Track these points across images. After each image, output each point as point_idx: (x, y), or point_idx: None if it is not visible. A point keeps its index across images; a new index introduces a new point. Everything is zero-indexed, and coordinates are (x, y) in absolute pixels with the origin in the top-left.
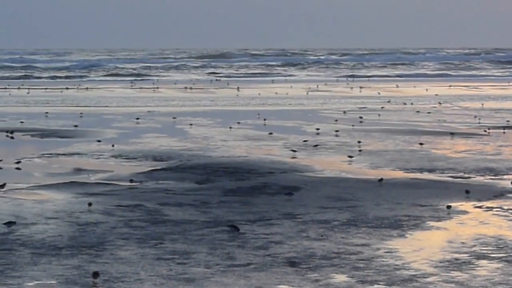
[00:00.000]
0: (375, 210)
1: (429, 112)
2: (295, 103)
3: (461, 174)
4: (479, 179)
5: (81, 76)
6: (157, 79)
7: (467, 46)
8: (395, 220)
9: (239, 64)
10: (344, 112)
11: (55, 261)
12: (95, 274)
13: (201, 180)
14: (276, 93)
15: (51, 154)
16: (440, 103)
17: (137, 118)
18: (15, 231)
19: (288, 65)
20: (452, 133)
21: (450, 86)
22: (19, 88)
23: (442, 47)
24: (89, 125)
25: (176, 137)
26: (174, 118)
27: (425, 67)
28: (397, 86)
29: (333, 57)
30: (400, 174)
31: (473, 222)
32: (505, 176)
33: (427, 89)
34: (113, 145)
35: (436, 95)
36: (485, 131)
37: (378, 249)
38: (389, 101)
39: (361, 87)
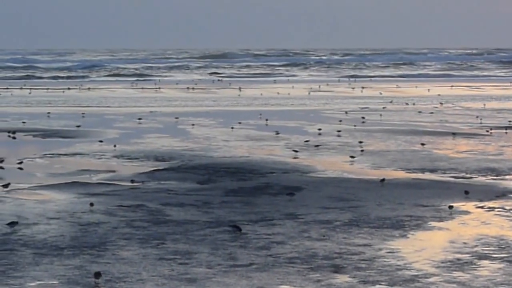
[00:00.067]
0: (377, 210)
1: (431, 113)
2: (297, 103)
3: (463, 174)
4: (481, 179)
5: (83, 76)
6: (159, 79)
7: (469, 46)
8: (397, 221)
9: (241, 64)
10: (346, 112)
11: (57, 261)
12: (97, 274)
13: (203, 180)
14: (278, 93)
15: (53, 154)
16: (441, 103)
17: (139, 118)
18: (17, 231)
19: (290, 65)
20: (454, 133)
21: (452, 86)
22: (21, 88)
23: (444, 47)
24: (91, 125)
25: (178, 137)
26: (176, 118)
27: (427, 67)
28: (397, 86)
29: (335, 57)
30: (402, 174)
31: (475, 222)
32: (507, 177)
33: (429, 89)
34: (115, 145)
35: (439, 95)
36: (487, 131)
37: (380, 249)
38: (391, 101)
39: (363, 87)
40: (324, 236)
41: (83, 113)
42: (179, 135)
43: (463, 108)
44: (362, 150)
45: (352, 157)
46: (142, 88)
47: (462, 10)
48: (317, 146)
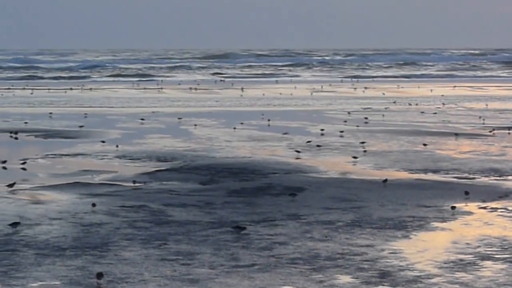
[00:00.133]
0: (380, 211)
1: (435, 113)
2: (300, 103)
3: (465, 175)
4: (483, 180)
5: (85, 77)
6: (161, 80)
7: (472, 47)
8: (399, 221)
9: (243, 64)
10: (349, 112)
11: (59, 262)
12: (99, 275)
13: (205, 180)
14: (280, 93)
15: (55, 154)
16: (444, 103)
17: (142, 119)
18: (19, 231)
19: (292, 66)
20: (456, 134)
21: (454, 86)
22: (23, 89)
23: (447, 47)
24: (93, 126)
25: (180, 138)
26: (179, 118)
27: (430, 67)
28: (398, 87)
29: (338, 57)
30: (404, 175)
31: (478, 223)
32: (509, 177)
33: (431, 90)
34: (117, 146)
35: (442, 95)
36: (490, 131)
37: (383, 250)
38: (394, 102)
39: (365, 88)
40: (326, 236)
41: (85, 114)
42: (181, 135)
43: (465, 108)
44: (364, 151)
45: (354, 157)
46: (144, 89)
47: (465, 11)
48: (318, 146)
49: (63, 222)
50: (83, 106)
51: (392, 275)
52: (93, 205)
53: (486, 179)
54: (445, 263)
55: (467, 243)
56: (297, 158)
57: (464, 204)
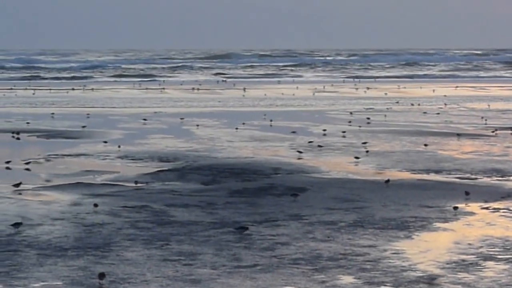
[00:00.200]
0: (382, 211)
1: (437, 113)
2: (302, 104)
3: (468, 175)
4: (486, 180)
5: (86, 77)
6: (163, 80)
7: (474, 47)
8: (401, 221)
9: (245, 64)
10: (351, 113)
11: (61, 262)
12: (101, 275)
13: (207, 181)
14: (283, 93)
15: (57, 155)
16: (445, 104)
17: (144, 119)
18: (21, 232)
19: (294, 66)
20: (458, 134)
21: (457, 87)
22: (25, 89)
23: (449, 47)
24: (95, 126)
25: (182, 138)
26: (181, 119)
27: (432, 68)
28: (399, 87)
29: (340, 57)
30: (406, 175)
31: (480, 223)
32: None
33: (433, 90)
34: (119, 146)
35: (445, 96)
36: (493, 132)
37: (385, 250)
38: (397, 102)
39: (367, 88)
40: (328, 237)
41: (88, 114)
42: (183, 135)
43: (468, 108)
44: (367, 151)
45: (356, 158)
46: (146, 89)
47: (467, 11)
48: (319, 146)
49: (65, 222)
50: (85, 106)
51: (395, 275)
52: (95, 205)
53: (488, 179)
54: (447, 263)
55: (469, 244)
56: (299, 159)
57: (466, 205)
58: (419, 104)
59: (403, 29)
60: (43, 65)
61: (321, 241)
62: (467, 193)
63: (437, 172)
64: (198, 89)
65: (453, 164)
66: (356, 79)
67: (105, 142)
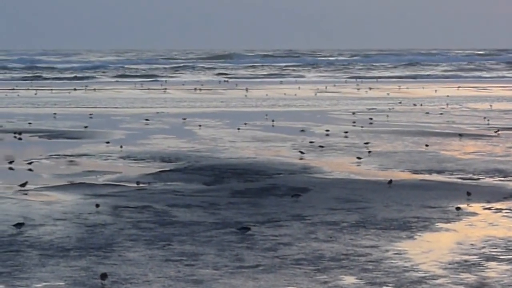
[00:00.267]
0: (384, 211)
1: (441, 113)
2: (304, 104)
3: (470, 175)
4: (488, 180)
5: (89, 77)
6: (165, 80)
7: (477, 47)
8: (404, 222)
9: (247, 65)
10: (354, 113)
11: (63, 262)
12: (103, 276)
13: (210, 181)
14: (285, 94)
15: (59, 155)
16: (447, 104)
17: (146, 119)
18: (23, 232)
19: (296, 66)
20: (460, 135)
21: (459, 87)
22: (27, 89)
23: (451, 48)
24: (97, 126)
25: (184, 138)
26: (184, 119)
27: (435, 68)
28: (399, 87)
29: (342, 58)
30: (409, 176)
31: (482, 223)
32: None
33: (436, 90)
34: (121, 146)
35: (448, 96)
36: (495, 132)
37: (387, 250)
38: (400, 102)
39: (370, 88)
40: (331, 237)
41: (90, 114)
42: (185, 136)
43: (470, 109)
44: (369, 151)
45: (359, 158)
46: (148, 89)
47: (469, 11)
48: (321, 147)
49: (67, 222)
50: (87, 106)
51: (397, 276)
52: (97, 205)
53: (491, 179)
54: (449, 264)
55: (472, 244)
56: (300, 159)
57: (468, 205)
58: (421, 105)
59: (405, 29)
60: (45, 65)
61: (323, 241)
62: (468, 194)
63: (439, 172)
64: (200, 89)
65: (455, 165)
66: (358, 79)
67: (108, 142)
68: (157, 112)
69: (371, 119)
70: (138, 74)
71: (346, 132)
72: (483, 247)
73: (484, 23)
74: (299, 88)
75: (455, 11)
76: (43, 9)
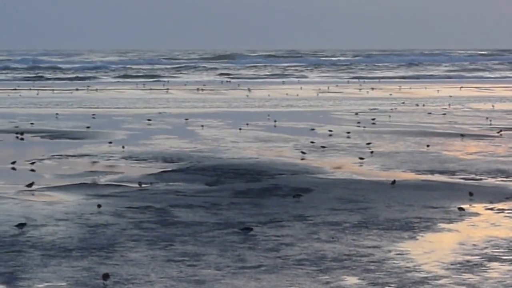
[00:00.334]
0: (386, 212)
1: (444, 114)
2: (306, 104)
3: (472, 176)
4: (490, 181)
5: (90, 77)
6: (168, 80)
7: (479, 47)
8: (406, 222)
9: (249, 65)
10: (356, 113)
11: (65, 263)
12: (105, 276)
13: (212, 181)
14: (287, 94)
15: (61, 155)
16: (449, 104)
17: (149, 119)
18: (25, 232)
19: (298, 66)
20: (462, 135)
21: (461, 87)
22: (29, 89)
23: (454, 48)
24: (99, 127)
25: (186, 139)
26: (186, 119)
27: (437, 68)
28: (400, 88)
29: (344, 58)
30: (411, 176)
31: (485, 224)
32: None
33: (438, 91)
34: (123, 147)
35: (450, 96)
36: (498, 132)
37: (389, 251)
38: (403, 103)
39: (372, 89)
40: (333, 237)
41: (93, 114)
42: (187, 136)
43: (472, 109)
44: (371, 152)
45: (361, 158)
46: (151, 89)
47: (472, 11)
48: (323, 147)
49: (69, 223)
50: (90, 107)
51: (399, 276)
52: (99, 206)
53: (493, 180)
54: (452, 264)
55: (474, 244)
56: (302, 159)
57: (470, 205)
58: (423, 105)
59: (408, 30)
60: (47, 65)
61: (326, 241)
62: (471, 194)
63: (441, 172)
64: (202, 89)
65: (457, 165)
66: (360, 80)
67: (110, 142)
68: (159, 112)
69: (373, 119)
70: (140, 74)
71: (348, 133)
72: (486, 248)
73: (487, 23)
74: (301, 88)
75: (457, 11)
76: (45, 10)
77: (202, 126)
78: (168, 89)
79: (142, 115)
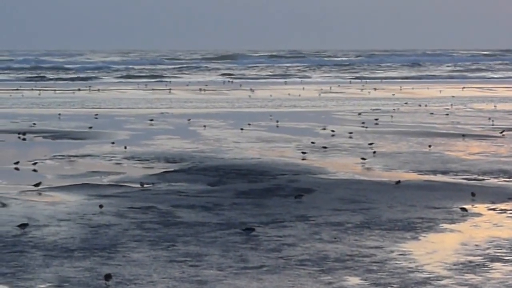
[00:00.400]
0: (389, 212)
1: (447, 114)
2: (309, 104)
3: (475, 176)
4: (493, 181)
5: (92, 78)
6: (170, 81)
7: (481, 48)
8: (408, 223)
9: (251, 65)
10: (359, 113)
11: (67, 263)
12: (108, 276)
13: (214, 182)
14: (289, 94)
15: (63, 155)
16: (452, 105)
17: (151, 120)
18: (27, 233)
19: (300, 67)
20: (463, 135)
21: (463, 87)
22: (31, 90)
23: (456, 48)
24: (101, 127)
25: (189, 139)
26: (189, 120)
27: (439, 68)
28: (401, 88)
29: (346, 58)
30: (413, 176)
31: (487, 224)
32: None
33: (440, 91)
34: (125, 147)
35: (453, 96)
36: (501, 133)
37: (392, 251)
38: (406, 103)
39: (374, 89)
40: (335, 238)
41: (96, 115)
42: (189, 136)
43: (475, 109)
44: (374, 152)
45: (363, 159)
46: (153, 90)
47: (474, 11)
48: (325, 148)
49: (71, 223)
50: (92, 107)
51: (401, 276)
52: (100, 206)
53: (496, 180)
54: (454, 264)
55: (476, 245)
56: (303, 159)
57: (473, 206)
58: (426, 105)
59: (410, 30)
60: (49, 66)
61: (328, 242)
62: (473, 194)
63: (444, 173)
64: (204, 90)
65: (460, 165)
66: (363, 80)
67: (113, 143)
68: (162, 113)
69: (376, 119)
70: (142, 74)
71: (350, 133)
72: (488, 248)
73: (489, 23)
74: (303, 88)
75: (459, 12)
76: (47, 10)
77: (205, 126)
78: (170, 89)
79: (145, 115)
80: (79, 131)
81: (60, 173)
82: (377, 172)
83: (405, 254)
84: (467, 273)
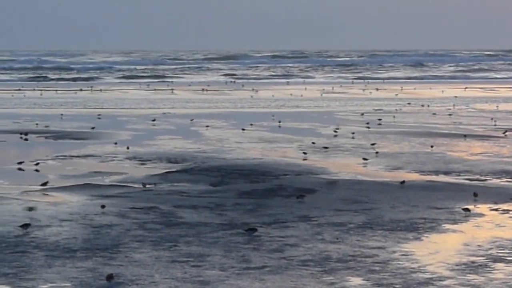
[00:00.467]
0: (391, 212)
1: (450, 114)
2: (311, 104)
3: (477, 176)
4: (495, 181)
5: (95, 78)
6: (172, 81)
7: (484, 48)
8: (411, 223)
9: (253, 65)
10: (362, 114)
11: (69, 263)
12: (109, 277)
13: (216, 182)
14: (291, 94)
15: (65, 156)
16: (454, 105)
17: (153, 120)
18: (29, 233)
19: (303, 67)
20: (465, 135)
21: (466, 88)
22: (33, 90)
23: (458, 49)
24: (104, 127)
25: (191, 139)
26: (191, 120)
27: (442, 69)
28: (401, 88)
29: (349, 58)
30: (416, 177)
31: (490, 225)
32: None
33: (443, 91)
34: (127, 147)
35: (456, 97)
36: (503, 133)
37: (394, 252)
38: (409, 103)
39: (377, 89)
40: (337, 238)
41: (99, 115)
42: (192, 136)
43: (477, 110)
44: (376, 152)
45: (365, 159)
46: (155, 90)
47: (476, 11)
48: (326, 148)
49: (73, 223)
50: (94, 107)
51: (404, 277)
52: (103, 206)
53: (498, 180)
54: (456, 265)
55: (479, 245)
56: (304, 159)
57: (475, 206)
58: (428, 105)
59: (413, 30)
60: (51, 66)
61: (330, 242)
62: (475, 195)
63: (446, 173)
64: (207, 90)
65: (462, 166)
66: (365, 80)
67: (115, 143)
68: (164, 113)
69: (380, 119)
70: (144, 74)
71: (353, 133)
72: (490, 249)
73: (492, 23)
74: (305, 88)
75: (462, 12)
76: (48, 10)
77: (207, 126)
78: (172, 89)
79: (147, 115)
80: (81, 131)
81: (62, 173)
82: (379, 172)
83: (408, 255)
84: (469, 273)
